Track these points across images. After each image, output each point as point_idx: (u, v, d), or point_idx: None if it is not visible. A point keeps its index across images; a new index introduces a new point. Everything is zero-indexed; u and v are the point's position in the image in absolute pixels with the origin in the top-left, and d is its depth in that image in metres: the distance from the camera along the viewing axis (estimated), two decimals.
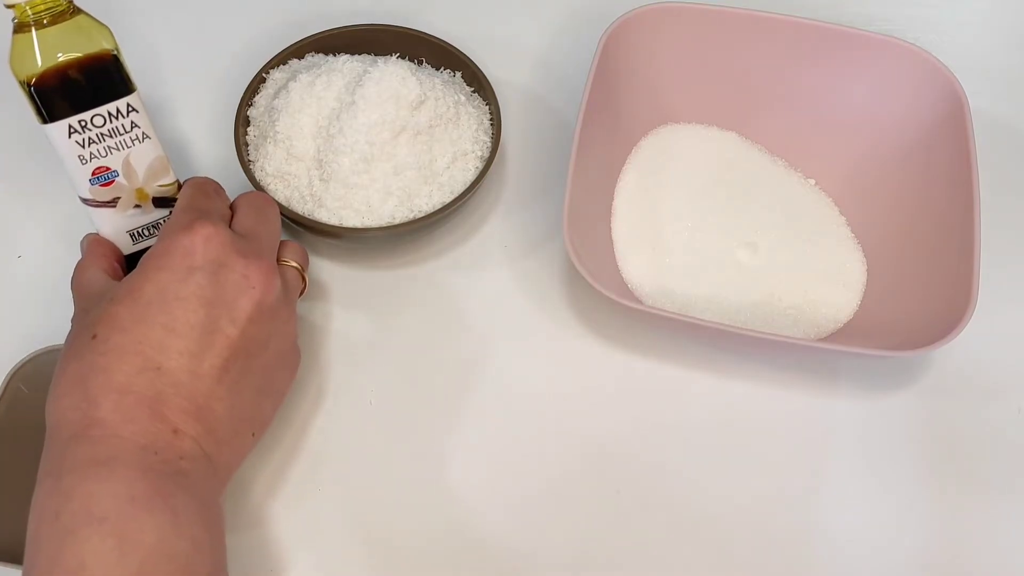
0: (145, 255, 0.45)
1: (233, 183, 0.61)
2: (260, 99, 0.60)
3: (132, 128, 0.49)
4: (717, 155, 0.63)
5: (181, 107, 0.64)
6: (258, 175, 0.57)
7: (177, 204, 0.48)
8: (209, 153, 0.62)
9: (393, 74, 0.55)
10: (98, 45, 0.46)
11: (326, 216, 0.55)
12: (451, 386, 0.56)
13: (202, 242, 0.44)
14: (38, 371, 0.49)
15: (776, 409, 0.55)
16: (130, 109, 0.48)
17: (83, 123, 0.47)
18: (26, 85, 0.45)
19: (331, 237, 0.58)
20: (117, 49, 0.47)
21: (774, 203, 0.61)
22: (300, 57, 0.62)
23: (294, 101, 0.56)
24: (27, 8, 0.44)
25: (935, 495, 0.53)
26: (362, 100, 0.54)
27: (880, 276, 0.58)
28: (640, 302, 0.57)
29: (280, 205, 0.56)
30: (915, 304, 0.54)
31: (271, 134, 0.57)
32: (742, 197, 0.61)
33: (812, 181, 0.62)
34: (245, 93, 0.59)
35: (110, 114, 0.48)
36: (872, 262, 0.59)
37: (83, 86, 0.46)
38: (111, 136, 0.48)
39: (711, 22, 0.59)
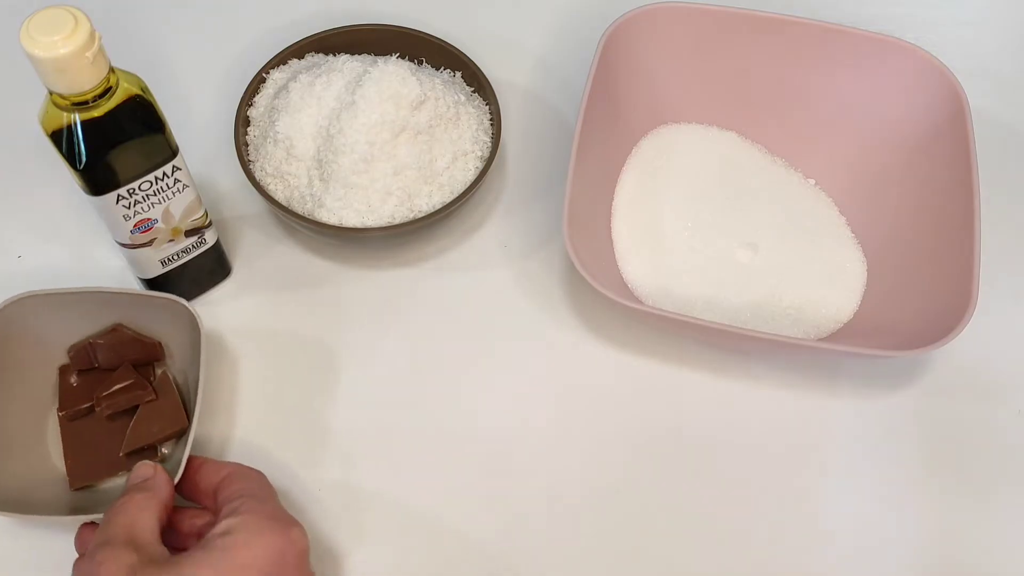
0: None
1: (233, 183, 0.62)
2: (260, 99, 0.60)
3: (175, 184, 0.49)
4: (717, 155, 0.63)
5: (181, 107, 0.64)
6: (258, 175, 0.57)
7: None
8: (209, 153, 0.62)
9: (393, 74, 0.55)
10: (147, 122, 0.45)
11: (326, 216, 0.55)
12: (451, 386, 0.56)
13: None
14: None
15: (776, 409, 0.55)
16: (174, 169, 0.49)
17: (131, 191, 0.48)
18: (74, 169, 0.45)
19: (331, 237, 0.59)
20: (162, 116, 0.46)
21: (774, 203, 0.61)
22: (300, 57, 0.62)
23: (294, 101, 0.56)
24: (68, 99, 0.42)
25: (935, 495, 0.53)
26: (362, 100, 0.54)
27: (880, 276, 0.58)
28: (640, 302, 0.57)
29: (280, 205, 0.56)
30: (915, 304, 0.54)
31: (271, 134, 0.57)
32: (742, 197, 0.61)
33: (812, 181, 0.62)
34: (245, 93, 0.59)
35: (156, 178, 0.48)
36: (872, 262, 0.59)
37: (131, 159, 0.46)
38: (155, 195, 0.49)
39: (711, 22, 0.59)
